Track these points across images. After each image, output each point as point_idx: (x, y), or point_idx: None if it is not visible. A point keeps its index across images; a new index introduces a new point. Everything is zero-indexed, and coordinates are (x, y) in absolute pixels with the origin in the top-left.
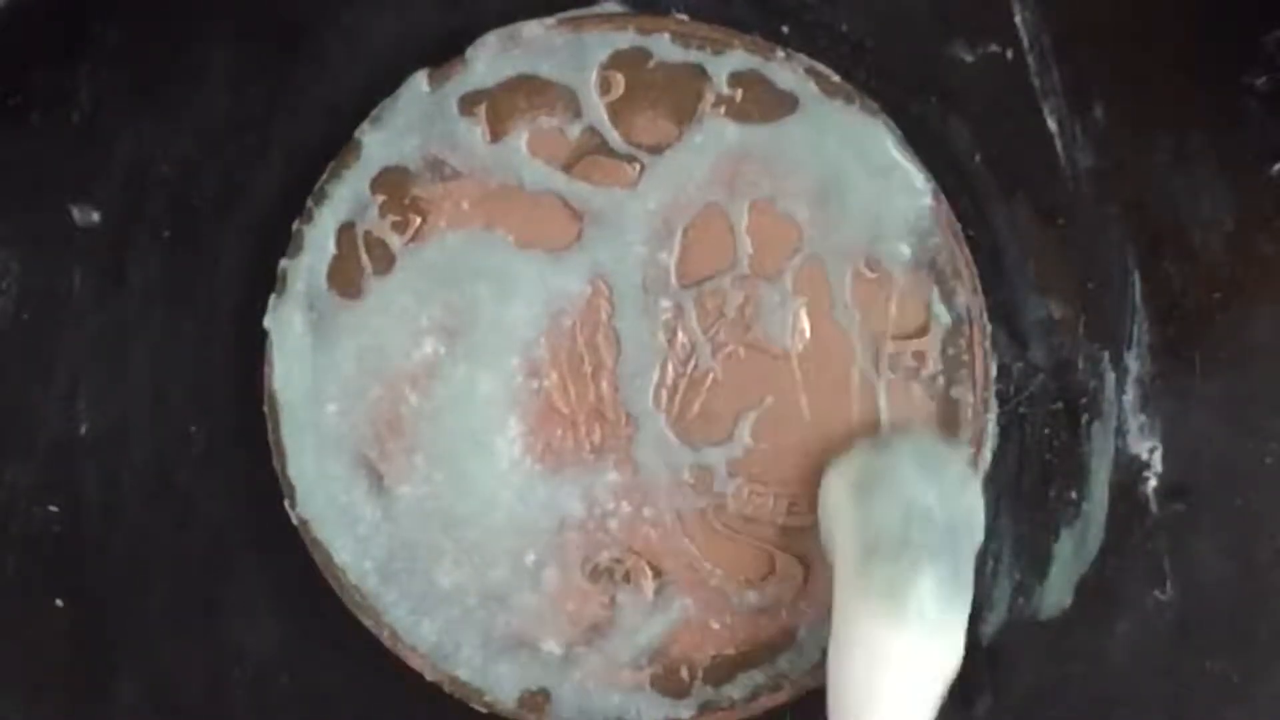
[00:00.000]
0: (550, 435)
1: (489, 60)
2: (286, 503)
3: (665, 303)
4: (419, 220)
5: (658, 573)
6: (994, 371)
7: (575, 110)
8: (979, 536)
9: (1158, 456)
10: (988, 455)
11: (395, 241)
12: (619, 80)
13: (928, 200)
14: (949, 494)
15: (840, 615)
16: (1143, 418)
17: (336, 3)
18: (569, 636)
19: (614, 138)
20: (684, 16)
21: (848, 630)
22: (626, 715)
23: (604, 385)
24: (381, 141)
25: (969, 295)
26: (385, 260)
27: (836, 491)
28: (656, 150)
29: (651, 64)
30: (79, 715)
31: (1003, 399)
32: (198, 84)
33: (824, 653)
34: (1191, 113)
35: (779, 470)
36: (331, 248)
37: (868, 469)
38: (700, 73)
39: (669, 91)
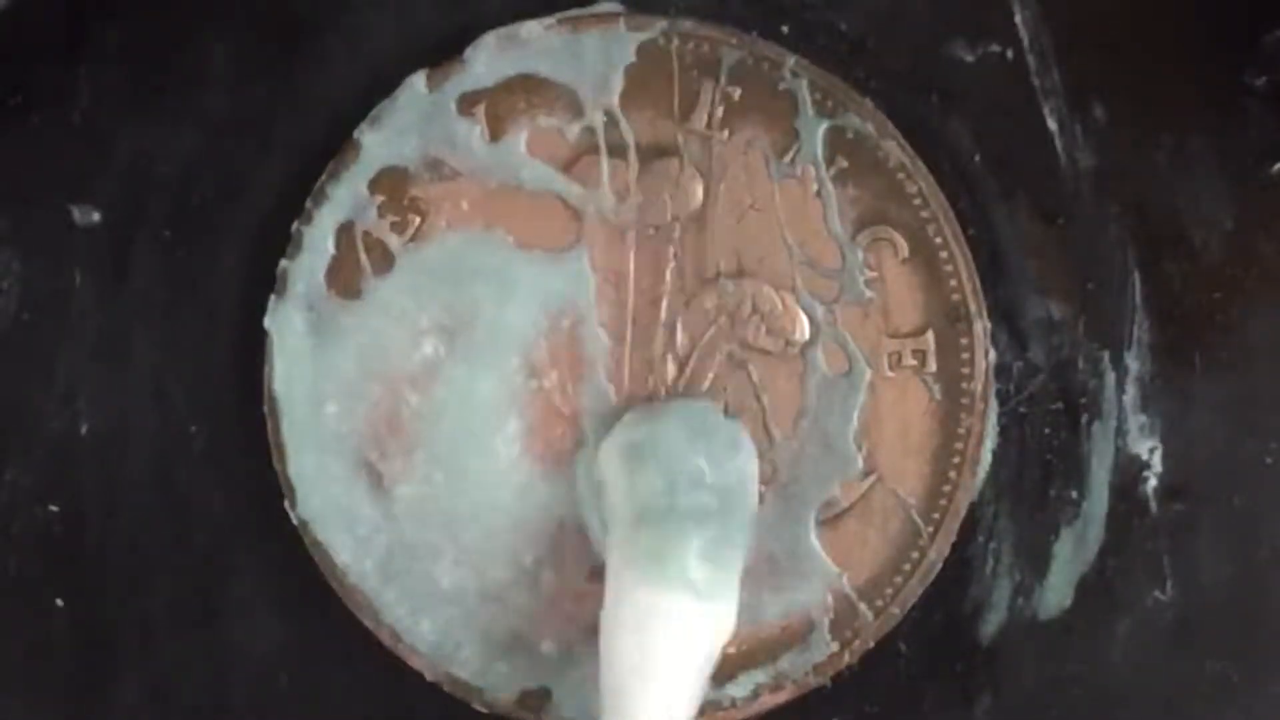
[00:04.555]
0: (550, 435)
1: (488, 60)
2: (286, 503)
3: (665, 302)
4: (418, 220)
5: None
6: (994, 371)
7: (575, 110)
8: (752, 502)
9: (1158, 456)
10: (988, 455)
11: (394, 242)
12: (618, 80)
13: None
14: (718, 459)
15: (610, 583)
16: (1143, 418)
17: (336, 3)
18: (569, 636)
19: (613, 137)
20: (682, 16)
21: (617, 598)
22: None
23: (605, 385)
24: (380, 142)
25: (969, 295)
26: (384, 260)
27: (608, 460)
28: (655, 150)
29: (650, 64)
30: (79, 715)
31: (1003, 399)
32: (198, 84)
33: (825, 653)
34: (1191, 113)
35: None
36: (331, 248)
37: (637, 436)
38: (700, 72)
39: (668, 91)
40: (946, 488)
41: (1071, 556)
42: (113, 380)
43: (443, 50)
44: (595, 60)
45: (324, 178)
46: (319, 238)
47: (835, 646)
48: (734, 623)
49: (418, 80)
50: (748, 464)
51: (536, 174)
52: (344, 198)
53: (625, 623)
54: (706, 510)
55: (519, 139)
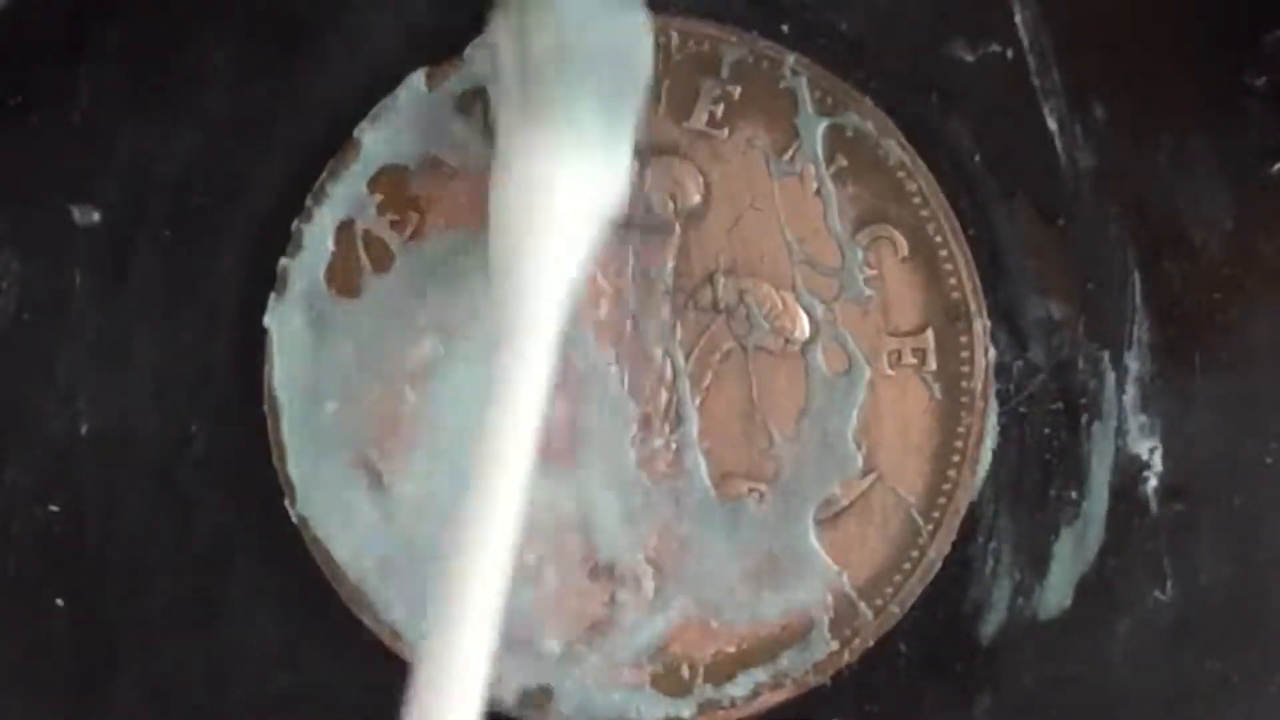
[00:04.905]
0: (550, 433)
1: (487, 59)
2: (286, 502)
3: (665, 300)
4: (418, 219)
5: (658, 571)
6: (994, 371)
7: None
8: (646, 59)
9: (1158, 456)
10: (988, 455)
11: (394, 240)
12: None
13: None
14: (610, 13)
15: (501, 146)
16: (1143, 418)
17: (336, 3)
18: (569, 635)
19: None
20: (683, 15)
21: (507, 158)
22: (627, 714)
23: (604, 382)
24: (380, 140)
25: (969, 294)
26: (384, 259)
27: (501, 21)
28: (655, 148)
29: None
30: (79, 715)
31: (1003, 399)
32: (198, 84)
33: (825, 652)
34: (1191, 113)
35: None
36: (330, 246)
37: (530, 9)
38: (699, 71)
39: (668, 90)
40: (946, 487)
41: (1071, 556)
42: (113, 380)
43: (443, 49)
44: None
45: (324, 176)
46: (319, 236)
47: (835, 645)
48: (626, 182)
49: (417, 79)
50: (638, 19)
51: None
52: (344, 196)
53: (516, 180)
54: (600, 66)
55: None
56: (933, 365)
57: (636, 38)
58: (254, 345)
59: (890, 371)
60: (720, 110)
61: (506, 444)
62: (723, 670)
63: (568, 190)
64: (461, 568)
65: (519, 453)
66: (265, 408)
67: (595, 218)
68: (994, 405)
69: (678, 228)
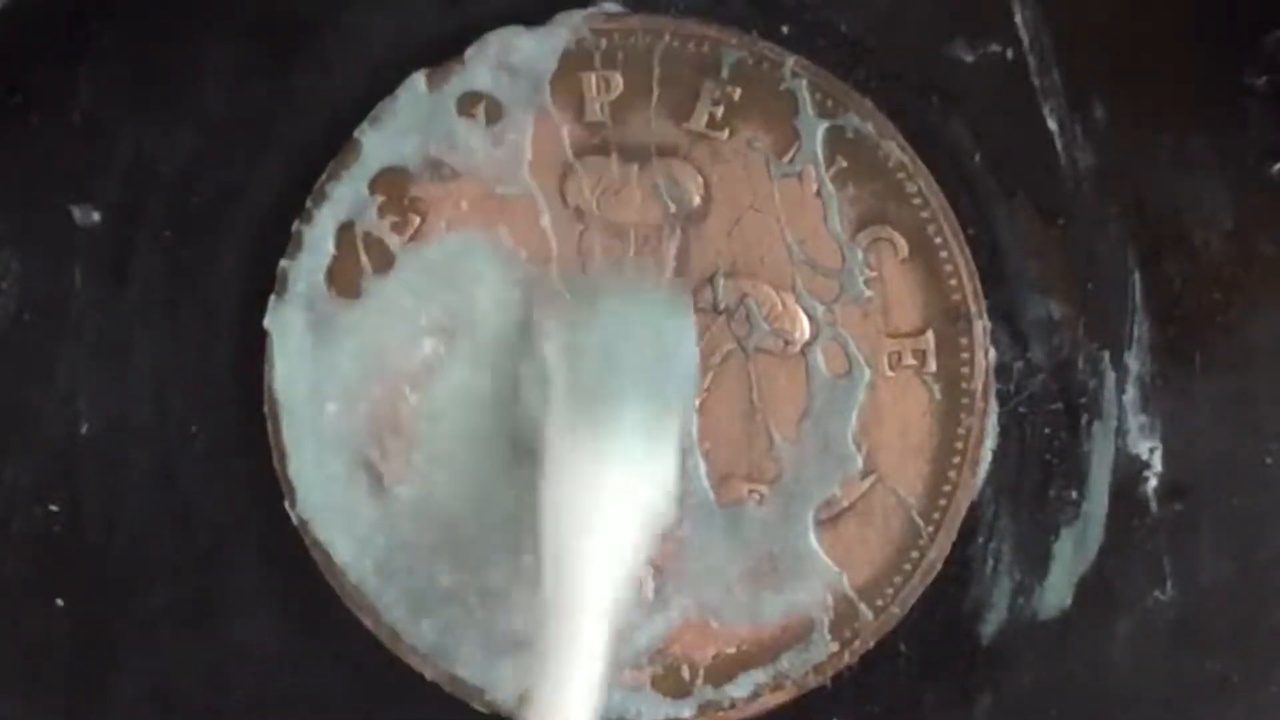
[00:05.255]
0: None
1: (487, 60)
2: (286, 503)
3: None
4: (418, 220)
5: (658, 571)
6: (994, 371)
7: (574, 110)
8: (690, 367)
9: (1158, 456)
10: (988, 455)
11: (394, 241)
12: (618, 80)
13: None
14: (654, 326)
15: (549, 459)
16: (1143, 418)
17: (336, 3)
18: None
19: (613, 137)
20: (683, 16)
21: (558, 468)
22: (627, 714)
23: None
24: (380, 142)
25: (969, 295)
26: (384, 260)
27: (546, 339)
28: (656, 149)
29: (650, 64)
30: (79, 715)
31: (1003, 399)
32: (198, 84)
33: (825, 653)
34: (1191, 113)
35: None
36: (331, 248)
37: (576, 309)
38: (699, 72)
39: (668, 91)
40: (946, 488)
41: (1071, 556)
42: (113, 380)
43: (443, 50)
44: (595, 60)
45: (324, 178)
46: (319, 237)
47: (835, 646)
48: (674, 483)
49: (418, 80)
50: (684, 329)
51: (536, 173)
52: (344, 197)
53: (565, 489)
54: (644, 378)
55: (519, 138)
56: (933, 366)
57: (681, 342)
58: (254, 346)
59: (890, 373)
60: (720, 112)
61: None
62: (723, 671)
63: (614, 495)
64: None
65: None
66: (265, 408)
67: (642, 519)
68: (994, 406)
69: (678, 229)
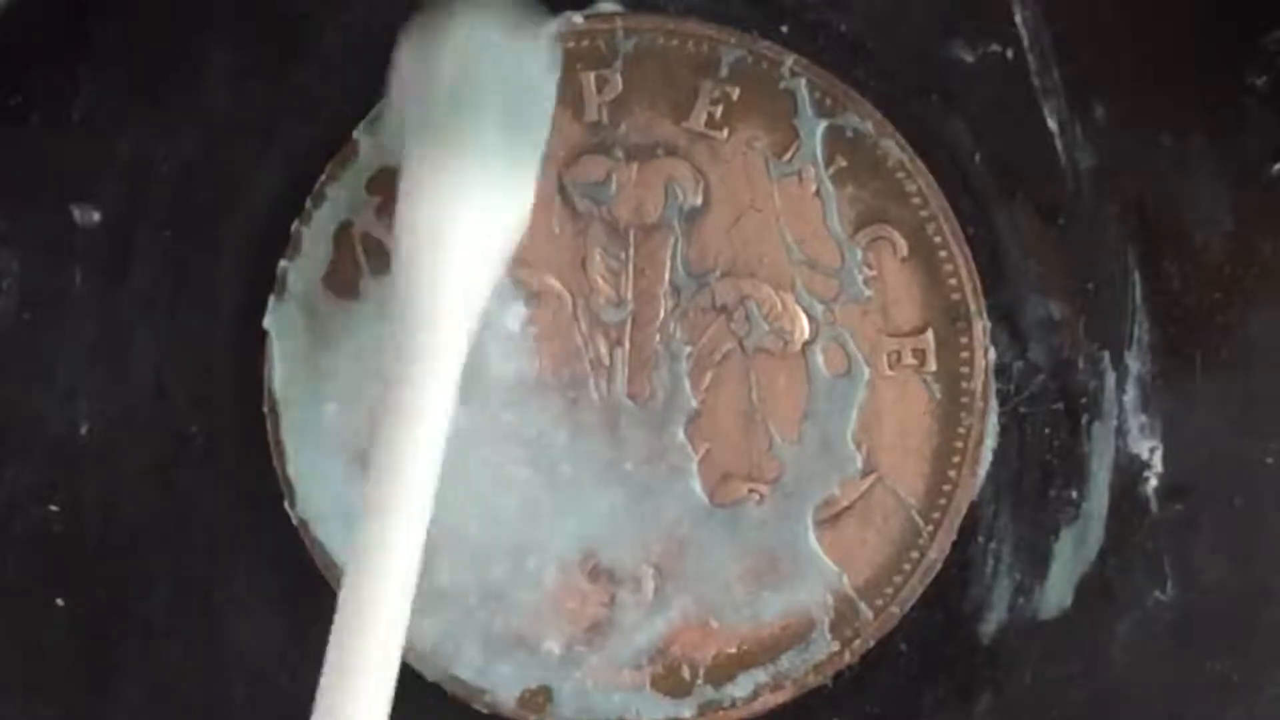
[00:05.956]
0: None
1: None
2: (286, 503)
3: (664, 301)
4: None
5: (658, 572)
6: (994, 371)
7: (573, 109)
8: (550, 91)
9: (1158, 456)
10: (988, 455)
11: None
12: (617, 79)
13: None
14: (516, 45)
15: (408, 167)
16: (1143, 417)
17: (336, 3)
18: (569, 636)
19: (612, 137)
20: (682, 16)
21: (415, 176)
22: (627, 715)
23: (603, 382)
24: (379, 142)
25: (969, 294)
26: (383, 261)
27: (407, 50)
28: (656, 148)
29: (649, 63)
30: (79, 715)
31: (1003, 399)
32: (198, 84)
33: (825, 652)
34: (1191, 113)
35: None
36: (330, 248)
37: (434, 27)
38: (698, 72)
39: (667, 91)
40: (946, 488)
41: (1071, 556)
42: (113, 380)
43: None
44: (594, 60)
45: (323, 178)
46: (318, 238)
47: (835, 646)
48: (529, 210)
49: None
50: (547, 55)
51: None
52: (343, 198)
53: (423, 197)
54: (505, 92)
55: None
56: (933, 366)
57: (542, 70)
58: (254, 346)
59: (890, 372)
60: (719, 111)
61: (403, 481)
62: (723, 671)
63: (470, 220)
64: (360, 601)
65: (417, 485)
66: (265, 408)
67: (497, 248)
68: (994, 405)
69: (677, 229)
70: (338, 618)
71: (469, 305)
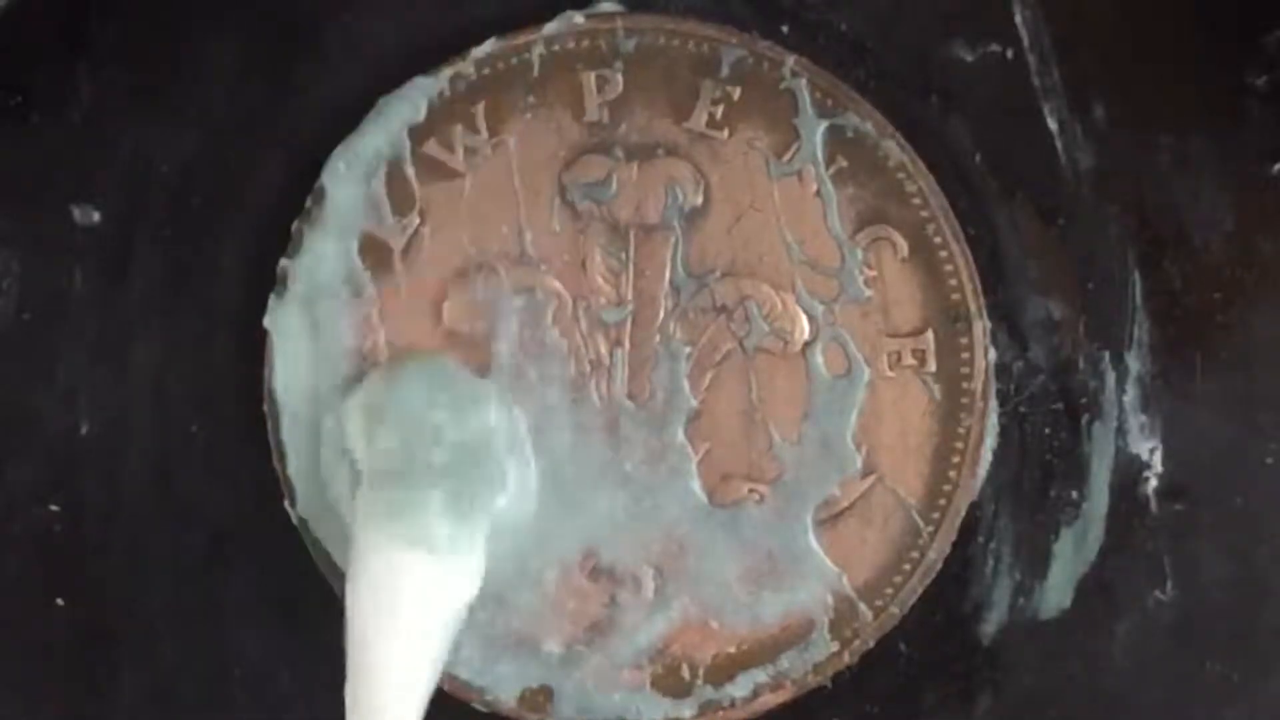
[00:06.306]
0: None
1: (487, 60)
2: (286, 503)
3: (664, 302)
4: (417, 220)
5: (658, 572)
6: (994, 371)
7: (573, 110)
8: (498, 456)
9: (1158, 456)
10: (988, 455)
11: (393, 242)
12: (617, 80)
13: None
14: (460, 413)
15: (355, 541)
16: (1143, 417)
17: (336, 3)
18: (569, 636)
19: (612, 137)
20: (682, 16)
21: (360, 555)
22: (627, 715)
23: (603, 383)
24: (380, 142)
25: (969, 295)
26: (384, 261)
27: (348, 420)
28: (656, 149)
29: (650, 63)
30: (79, 715)
31: (1003, 399)
32: (198, 83)
33: (825, 652)
34: (1191, 113)
35: None
36: (330, 248)
37: (378, 393)
38: (699, 72)
39: (668, 91)
40: (946, 488)
41: (1071, 556)
42: (113, 380)
43: (443, 50)
44: (594, 60)
45: (323, 178)
46: (319, 237)
47: (835, 646)
48: (479, 579)
49: (418, 79)
50: (490, 418)
51: (535, 173)
52: (343, 198)
53: (368, 580)
54: (444, 467)
55: (518, 138)
56: (933, 366)
57: (487, 434)
58: (254, 345)
59: (890, 373)
60: (720, 111)
61: None
62: (723, 671)
63: (415, 590)
64: None
65: None
66: (265, 408)
67: (446, 616)
68: (994, 406)
69: (677, 229)
70: None
71: (416, 669)
